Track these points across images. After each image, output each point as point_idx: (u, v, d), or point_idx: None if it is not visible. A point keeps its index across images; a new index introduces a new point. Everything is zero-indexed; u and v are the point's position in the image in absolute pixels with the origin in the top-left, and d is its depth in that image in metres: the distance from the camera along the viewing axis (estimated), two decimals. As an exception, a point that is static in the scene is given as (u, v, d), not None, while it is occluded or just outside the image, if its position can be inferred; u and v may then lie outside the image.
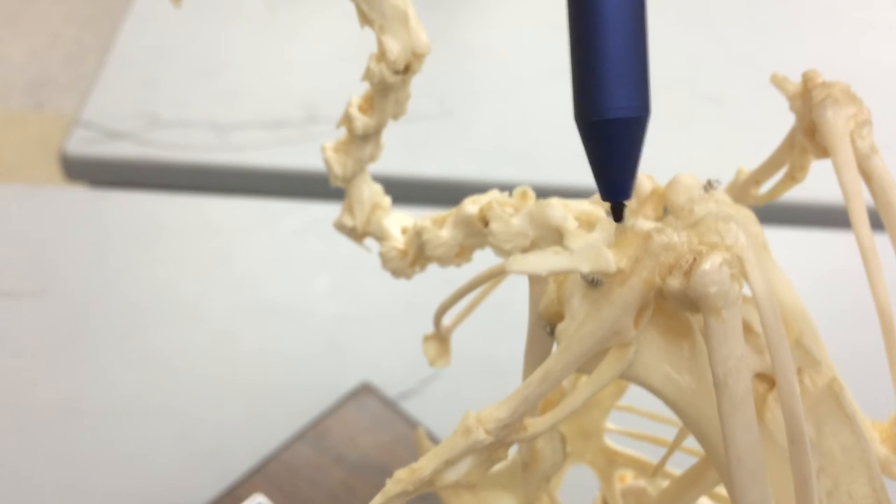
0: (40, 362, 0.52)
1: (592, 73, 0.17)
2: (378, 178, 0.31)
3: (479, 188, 0.72)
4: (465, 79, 0.72)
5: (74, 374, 0.51)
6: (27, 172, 1.38)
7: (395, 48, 0.23)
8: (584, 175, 0.64)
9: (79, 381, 0.51)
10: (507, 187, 0.26)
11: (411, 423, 0.48)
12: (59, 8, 1.71)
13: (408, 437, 0.47)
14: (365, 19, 0.24)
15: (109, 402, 0.50)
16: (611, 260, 0.18)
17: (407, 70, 0.24)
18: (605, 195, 0.19)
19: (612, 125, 0.17)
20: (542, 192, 0.26)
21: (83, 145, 0.66)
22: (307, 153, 0.66)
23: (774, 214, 0.61)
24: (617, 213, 0.19)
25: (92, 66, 1.55)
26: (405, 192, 0.64)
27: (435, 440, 0.46)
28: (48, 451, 0.48)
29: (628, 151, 0.18)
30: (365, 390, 0.50)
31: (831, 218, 0.62)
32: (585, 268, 0.18)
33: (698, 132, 0.69)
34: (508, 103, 0.70)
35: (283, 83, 0.72)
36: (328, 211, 0.61)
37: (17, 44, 1.63)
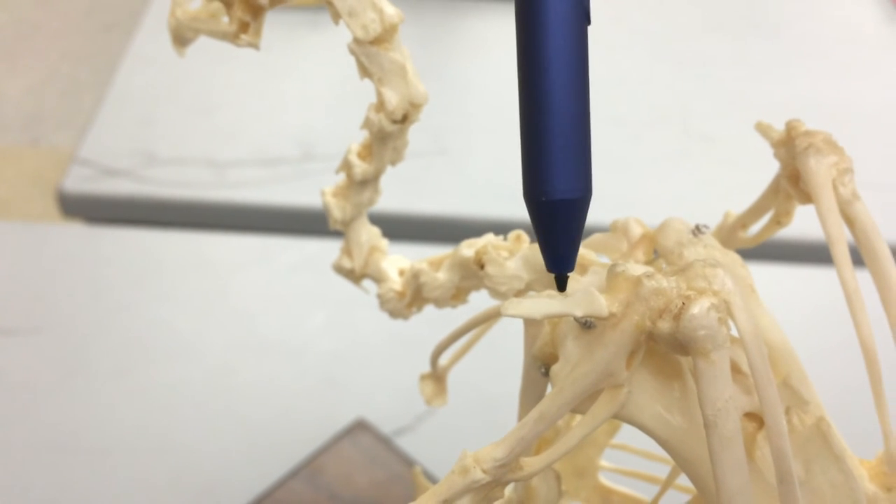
0: (36, 399, 0.52)
1: (540, 157, 0.19)
2: (372, 215, 0.32)
3: (473, 225, 0.72)
4: (459, 116, 0.73)
5: (70, 411, 0.51)
6: (22, 208, 1.38)
7: (393, 99, 0.24)
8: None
9: (74, 417, 0.51)
10: (500, 224, 0.27)
11: (406, 460, 0.48)
12: (55, 45, 1.73)
13: (402, 475, 0.47)
14: (365, 72, 0.24)
15: (105, 439, 0.50)
16: (603, 305, 0.18)
17: (405, 119, 0.25)
18: (550, 267, 0.20)
19: (557, 205, 0.19)
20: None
21: (80, 182, 0.66)
22: (302, 190, 0.66)
23: (760, 251, 0.62)
24: (560, 284, 0.20)
25: (87, 102, 1.56)
26: (399, 228, 0.65)
27: (431, 478, 0.46)
28: (44, 488, 0.48)
29: (572, 228, 0.19)
30: (359, 427, 0.50)
31: (816, 255, 0.63)
32: (579, 312, 0.18)
33: (688, 170, 0.70)
34: (502, 140, 0.71)
35: (279, 121, 0.73)
36: (323, 247, 0.62)
37: (13, 80, 1.65)
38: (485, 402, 0.51)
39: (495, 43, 0.83)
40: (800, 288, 0.60)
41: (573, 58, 0.18)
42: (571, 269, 0.20)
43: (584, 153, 0.19)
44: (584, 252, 0.24)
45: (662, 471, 0.30)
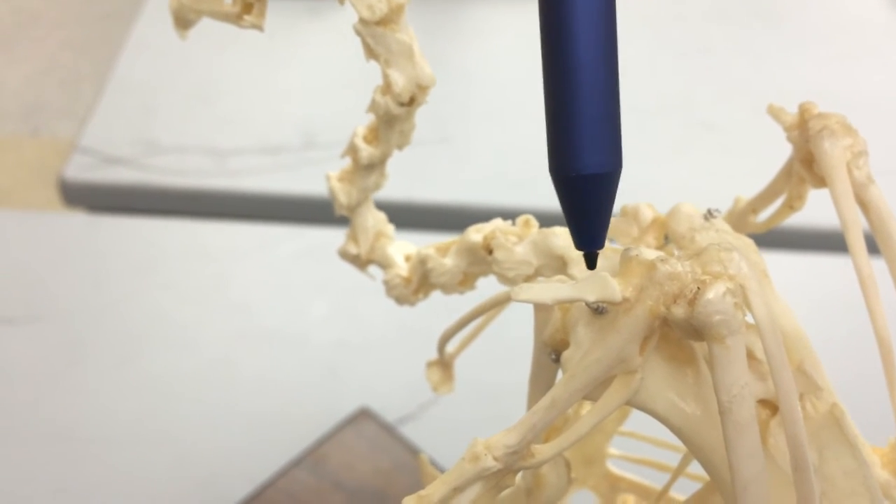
0: (36, 388, 0.52)
1: (568, 131, 0.18)
2: (376, 204, 0.31)
3: (478, 213, 0.72)
4: (463, 104, 0.73)
5: (70, 401, 0.51)
6: (23, 197, 1.38)
7: (400, 81, 0.24)
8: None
9: (75, 407, 0.51)
10: (506, 212, 0.27)
11: (410, 449, 0.48)
12: (55, 34, 1.72)
13: (406, 463, 0.47)
14: (371, 53, 0.24)
15: (106, 429, 0.50)
16: (616, 289, 0.18)
17: (412, 102, 0.25)
18: (580, 245, 0.19)
19: (586, 180, 0.18)
20: (542, 217, 0.26)
21: (81, 171, 0.66)
22: (305, 178, 0.66)
23: (773, 239, 0.62)
24: (590, 262, 0.19)
25: (88, 91, 1.55)
26: (404, 217, 0.64)
27: (435, 466, 0.46)
28: (44, 478, 0.48)
29: (602, 204, 0.19)
30: (363, 415, 0.50)
31: (830, 242, 0.62)
32: (591, 297, 0.18)
33: (693, 158, 0.69)
34: (507, 128, 0.71)
35: (281, 109, 0.73)
36: (326, 236, 0.61)
37: (13, 69, 1.64)
38: (489, 390, 0.51)
39: (498, 31, 0.82)
40: (811, 276, 0.60)
41: (602, 22, 0.17)
42: (601, 247, 0.19)
43: (614, 125, 0.18)
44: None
45: (671, 458, 0.30)
